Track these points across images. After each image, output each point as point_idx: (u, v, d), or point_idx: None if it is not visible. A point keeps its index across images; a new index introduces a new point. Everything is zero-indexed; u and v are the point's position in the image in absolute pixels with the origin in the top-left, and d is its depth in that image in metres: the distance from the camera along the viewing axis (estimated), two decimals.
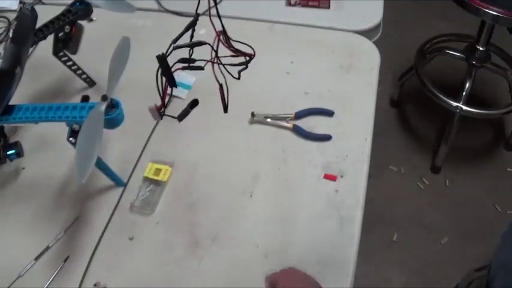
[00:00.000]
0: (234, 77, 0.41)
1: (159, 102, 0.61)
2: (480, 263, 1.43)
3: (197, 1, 0.39)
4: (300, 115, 0.87)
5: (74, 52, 0.85)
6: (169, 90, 0.44)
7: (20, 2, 1.09)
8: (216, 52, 0.38)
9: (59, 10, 0.82)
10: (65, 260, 0.72)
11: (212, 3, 0.37)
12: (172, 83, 0.38)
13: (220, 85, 0.38)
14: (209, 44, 0.38)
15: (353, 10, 1.05)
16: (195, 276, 0.70)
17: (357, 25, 1.02)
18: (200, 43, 0.38)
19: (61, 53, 0.84)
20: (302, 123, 0.86)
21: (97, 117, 0.62)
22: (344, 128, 0.85)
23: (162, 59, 0.38)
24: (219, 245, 0.73)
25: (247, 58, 0.40)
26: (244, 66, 0.41)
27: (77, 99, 0.90)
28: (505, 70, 1.78)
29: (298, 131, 0.84)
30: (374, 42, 1.00)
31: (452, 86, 1.77)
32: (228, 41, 0.39)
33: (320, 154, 0.82)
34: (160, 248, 0.73)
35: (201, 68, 0.37)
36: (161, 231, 0.75)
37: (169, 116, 0.64)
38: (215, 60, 0.38)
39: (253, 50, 0.40)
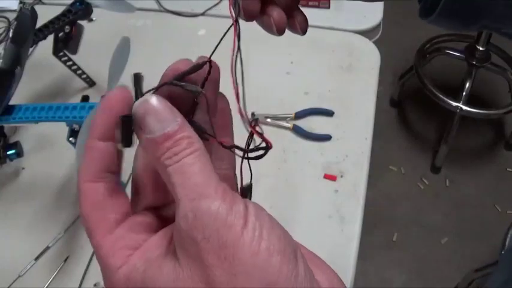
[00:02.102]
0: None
1: None
2: (480, 263, 1.43)
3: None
4: (300, 115, 0.87)
5: (74, 52, 0.85)
6: None
7: (20, 2, 1.09)
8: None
9: (59, 10, 0.82)
10: (65, 260, 0.72)
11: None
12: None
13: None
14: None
15: (353, 10, 1.05)
16: None
17: (357, 25, 1.01)
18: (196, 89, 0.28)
19: (61, 53, 0.84)
20: (302, 123, 0.86)
21: None
22: (344, 128, 0.85)
23: (137, 78, 0.28)
24: None
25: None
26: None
27: (77, 99, 0.90)
28: (505, 70, 1.78)
29: (298, 131, 0.84)
30: (374, 42, 1.00)
31: (452, 86, 1.77)
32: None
33: (320, 154, 0.82)
34: None
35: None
36: None
37: None
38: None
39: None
